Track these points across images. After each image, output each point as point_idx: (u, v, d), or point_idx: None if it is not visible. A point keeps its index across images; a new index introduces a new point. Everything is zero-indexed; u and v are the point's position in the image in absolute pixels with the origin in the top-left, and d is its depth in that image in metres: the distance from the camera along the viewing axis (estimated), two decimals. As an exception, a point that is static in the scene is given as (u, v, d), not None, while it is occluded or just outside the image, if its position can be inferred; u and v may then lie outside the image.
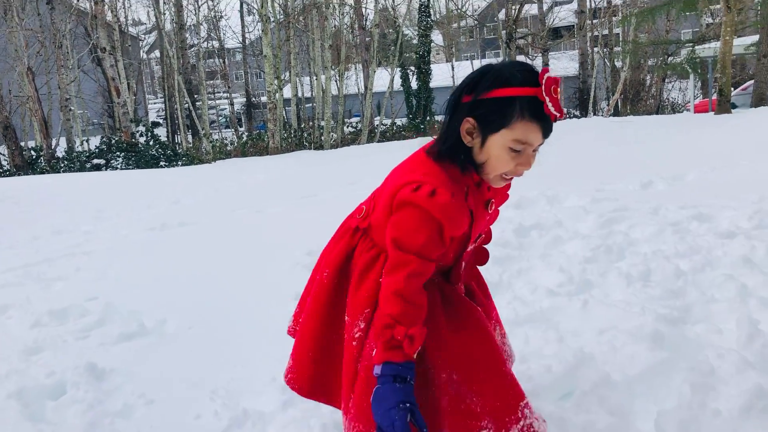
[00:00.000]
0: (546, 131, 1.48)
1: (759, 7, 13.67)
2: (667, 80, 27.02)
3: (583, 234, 4.07)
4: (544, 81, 1.43)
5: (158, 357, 2.77)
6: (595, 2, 28.31)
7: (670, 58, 18.01)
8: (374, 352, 1.55)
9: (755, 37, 14.42)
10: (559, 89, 1.47)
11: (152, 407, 2.30)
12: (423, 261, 1.51)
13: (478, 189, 1.61)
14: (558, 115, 1.46)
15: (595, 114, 24.03)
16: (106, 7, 21.46)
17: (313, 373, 1.78)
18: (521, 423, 1.62)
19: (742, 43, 16.76)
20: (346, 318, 1.68)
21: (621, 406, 2.02)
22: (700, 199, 4.72)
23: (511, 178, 1.58)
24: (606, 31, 26.90)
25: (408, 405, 1.44)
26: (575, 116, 24.66)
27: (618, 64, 25.03)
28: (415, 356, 1.50)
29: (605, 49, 26.54)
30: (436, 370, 1.62)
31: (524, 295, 3.12)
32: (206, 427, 2.18)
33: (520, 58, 25.54)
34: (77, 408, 2.35)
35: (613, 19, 25.44)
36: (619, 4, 26.50)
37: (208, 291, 3.62)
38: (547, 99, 1.43)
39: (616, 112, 23.29)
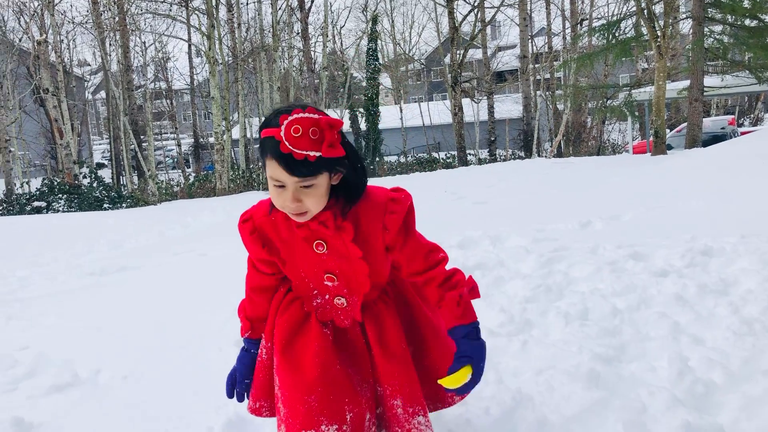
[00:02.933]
0: (289, 168, 1.53)
1: (689, 54, 14.37)
2: (606, 122, 28.02)
3: (524, 273, 4.13)
4: (284, 123, 1.51)
5: (90, 409, 2.67)
6: (536, 47, 29.32)
7: (609, 102, 18.70)
8: None
9: (687, 82, 15.14)
10: (310, 128, 1.51)
11: (81, 462, 2.21)
12: (251, 268, 1.91)
13: (298, 227, 1.71)
14: (305, 153, 1.51)
15: (539, 155, 24.65)
16: (50, 47, 21.17)
17: None
18: None
19: (675, 87, 17.56)
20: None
21: (557, 447, 2.04)
22: (636, 238, 4.86)
23: (300, 213, 1.62)
24: (548, 75, 27.82)
25: (235, 368, 1.97)
26: (519, 157, 25.25)
27: (560, 106, 25.86)
28: (248, 335, 1.97)
29: (547, 92, 27.41)
30: (275, 368, 1.88)
31: (465, 336, 3.13)
32: None
33: (465, 100, 26.13)
34: (1, 466, 2.24)
35: (554, 63, 26.35)
36: (559, 50, 27.52)
37: (147, 339, 3.53)
38: (284, 137, 1.50)
39: (559, 153, 23.98)
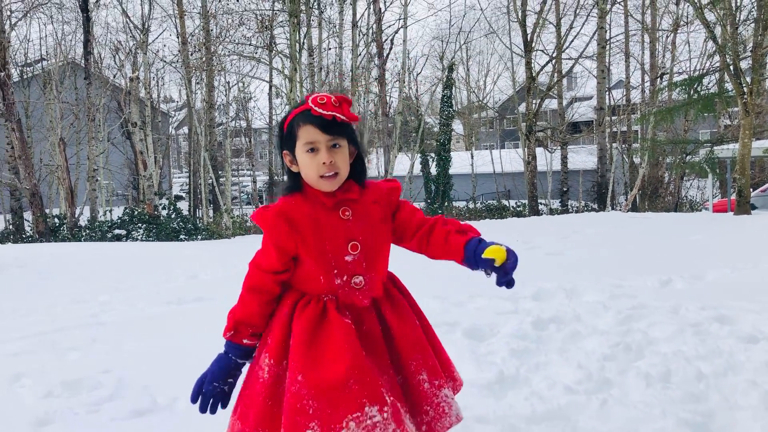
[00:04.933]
0: (324, 128, 1.83)
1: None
2: (685, 178, 27.21)
3: (601, 330, 4.03)
4: (309, 98, 1.86)
5: (168, 436, 2.73)
6: (614, 100, 28.96)
7: (688, 157, 18.18)
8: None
9: (773, 141, 14.62)
10: (331, 98, 1.85)
11: (159, 488, 2.25)
12: (254, 268, 1.92)
13: (326, 197, 1.89)
14: (332, 114, 1.83)
15: (612, 208, 24.11)
16: (140, 84, 22.33)
17: None
18: None
19: (761, 145, 16.95)
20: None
21: None
22: (721, 300, 4.67)
23: (332, 175, 1.85)
24: (625, 128, 27.37)
25: (207, 371, 1.92)
26: (593, 209, 24.76)
27: (636, 160, 25.32)
28: (230, 336, 1.92)
29: (624, 145, 26.92)
30: (290, 371, 1.81)
31: (542, 390, 3.07)
32: None
33: (539, 150, 25.95)
34: (83, 485, 2.31)
35: (632, 116, 25.92)
36: (637, 103, 27.07)
37: (222, 369, 3.59)
38: (312, 105, 1.84)
39: (634, 208, 23.37)
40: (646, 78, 26.92)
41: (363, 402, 1.75)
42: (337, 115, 1.83)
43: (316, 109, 1.83)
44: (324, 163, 1.83)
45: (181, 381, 3.39)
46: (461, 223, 2.00)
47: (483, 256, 1.82)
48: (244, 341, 1.93)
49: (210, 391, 1.91)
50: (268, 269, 1.90)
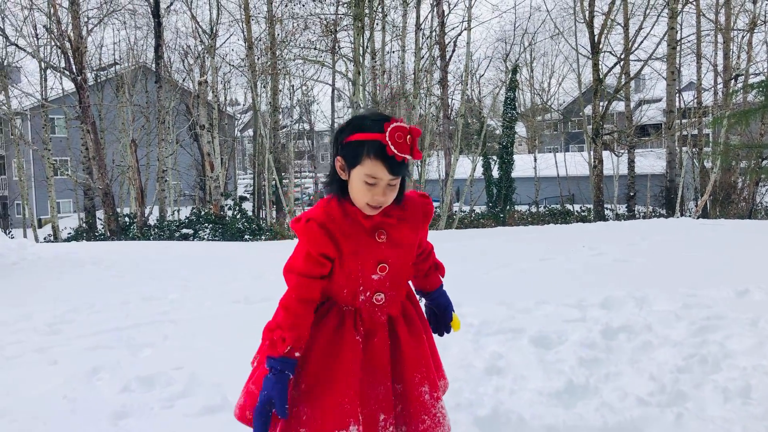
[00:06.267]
0: (392, 169, 1.82)
1: None
2: (761, 184, 26.09)
3: (674, 341, 3.90)
4: (388, 129, 1.79)
5: (239, 433, 2.79)
6: (684, 102, 28.04)
7: (764, 162, 17.43)
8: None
9: None
10: (407, 136, 1.81)
11: (232, 485, 2.30)
12: (304, 277, 1.91)
13: (365, 218, 1.94)
14: (404, 156, 1.80)
15: (682, 214, 23.35)
16: (208, 87, 22.91)
17: None
18: None
19: (843, 150, 16.12)
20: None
21: None
22: (803, 313, 4.45)
23: (378, 207, 1.90)
24: (695, 131, 26.47)
25: (270, 395, 1.85)
26: (661, 215, 24.03)
27: (707, 164, 24.45)
28: (287, 353, 1.88)
29: (694, 149, 26.04)
30: (297, 376, 1.95)
31: (613, 401, 2.99)
32: None
33: (605, 153, 25.35)
34: (160, 478, 2.38)
35: (703, 119, 25.04)
36: (709, 105, 26.13)
37: (289, 369, 3.64)
38: (389, 142, 1.78)
39: (705, 214, 22.56)
40: (719, 80, 25.96)
41: (349, 421, 1.90)
42: (407, 157, 1.82)
43: (393, 149, 1.79)
44: (376, 197, 1.87)
45: (250, 380, 3.47)
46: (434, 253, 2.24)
47: (450, 323, 2.27)
48: (296, 354, 1.92)
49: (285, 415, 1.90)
50: (316, 275, 1.93)
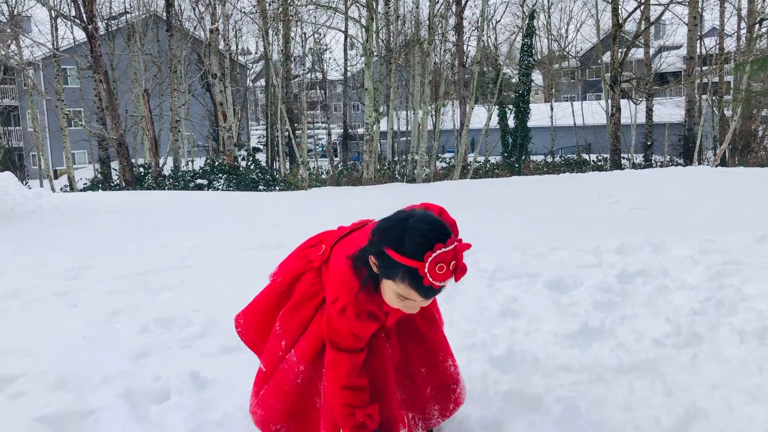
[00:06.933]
0: (426, 295, 1.70)
1: None
2: (781, 132, 25.64)
3: (690, 285, 3.88)
4: (428, 261, 1.62)
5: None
6: (705, 48, 27.37)
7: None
8: None
9: None
10: (451, 262, 1.64)
11: (251, 420, 2.33)
12: (353, 354, 1.85)
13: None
14: (439, 286, 1.66)
15: (699, 163, 23.05)
16: (220, 36, 22.64)
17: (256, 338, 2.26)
18: None
19: None
20: (277, 326, 2.09)
21: (738, 469, 1.89)
22: (822, 257, 4.41)
23: (414, 311, 1.81)
24: (716, 79, 25.90)
25: None
26: (678, 164, 23.75)
27: (727, 113, 24.00)
28: (378, 428, 1.87)
29: (714, 97, 25.52)
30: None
31: (628, 343, 3.00)
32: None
33: (623, 101, 24.93)
34: (180, 414, 2.44)
35: (725, 66, 24.46)
36: (732, 52, 25.50)
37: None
38: (428, 275, 1.63)
39: (723, 163, 22.25)
40: (743, 25, 25.25)
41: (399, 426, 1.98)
42: (447, 285, 1.68)
43: (431, 279, 1.64)
44: (407, 309, 1.79)
45: (267, 322, 3.50)
46: None
47: None
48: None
49: None
50: (364, 345, 1.90)
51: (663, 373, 2.64)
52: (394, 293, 1.73)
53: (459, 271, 1.66)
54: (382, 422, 1.92)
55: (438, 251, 1.63)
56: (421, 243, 1.64)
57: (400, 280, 1.68)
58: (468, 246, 1.69)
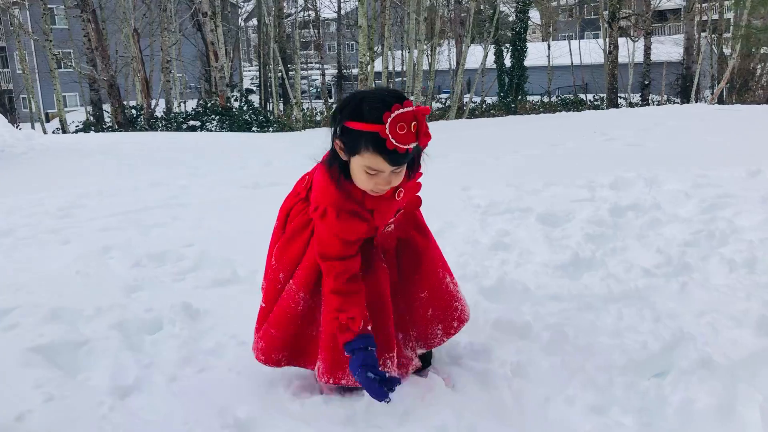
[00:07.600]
0: (393, 161, 1.69)
1: None
2: (780, 70, 25.38)
3: (683, 218, 3.90)
4: (388, 121, 1.62)
5: (250, 303, 2.83)
6: (706, -16, 26.79)
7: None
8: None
9: None
10: (412, 123, 1.64)
11: (243, 348, 2.36)
12: (343, 261, 1.84)
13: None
14: (407, 147, 1.66)
15: (697, 102, 22.88)
16: (210, -28, 22.01)
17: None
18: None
19: None
20: (273, 260, 2.09)
21: (722, 389, 1.93)
22: (816, 190, 4.41)
23: (385, 189, 1.80)
24: (716, 16, 25.46)
25: (363, 367, 1.81)
26: (675, 103, 23.57)
27: (726, 51, 23.68)
28: (362, 329, 1.84)
29: (713, 35, 25.13)
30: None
31: (618, 273, 3.02)
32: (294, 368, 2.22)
33: (621, 40, 24.53)
34: (173, 343, 2.46)
35: (725, 2, 24.00)
36: (733, -13, 24.97)
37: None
38: (390, 136, 1.63)
39: (721, 102, 22.09)
40: (745, -41, 24.65)
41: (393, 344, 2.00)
42: (411, 147, 1.68)
43: (393, 141, 1.64)
44: (379, 185, 1.77)
45: (261, 256, 3.50)
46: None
47: None
48: (369, 328, 1.89)
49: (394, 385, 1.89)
50: (354, 252, 1.87)
51: (652, 301, 2.67)
52: (362, 170, 1.73)
53: (423, 135, 1.68)
54: (377, 338, 1.91)
55: (396, 111, 1.64)
56: (379, 106, 1.66)
57: (365, 149, 1.69)
58: (428, 110, 1.70)
